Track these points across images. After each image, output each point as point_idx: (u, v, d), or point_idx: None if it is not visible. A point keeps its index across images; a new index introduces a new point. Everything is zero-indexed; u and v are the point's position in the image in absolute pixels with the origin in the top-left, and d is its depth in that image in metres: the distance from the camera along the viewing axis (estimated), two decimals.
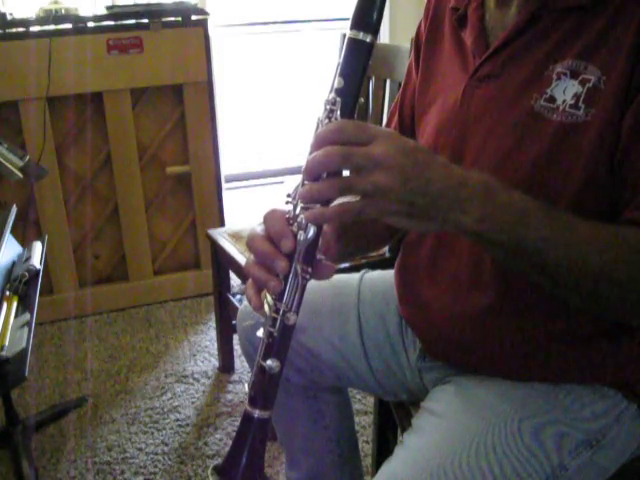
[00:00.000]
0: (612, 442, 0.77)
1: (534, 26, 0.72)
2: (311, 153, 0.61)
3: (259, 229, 0.70)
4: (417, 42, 0.92)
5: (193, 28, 2.15)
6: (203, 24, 2.17)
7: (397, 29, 3.19)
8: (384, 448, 1.23)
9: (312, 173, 0.61)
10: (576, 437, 0.75)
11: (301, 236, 0.65)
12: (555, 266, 0.63)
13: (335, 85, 0.65)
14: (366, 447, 1.56)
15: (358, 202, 0.60)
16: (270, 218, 0.68)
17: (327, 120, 0.65)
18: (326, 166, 0.60)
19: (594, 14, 0.68)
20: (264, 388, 0.70)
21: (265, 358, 0.69)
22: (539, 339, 0.77)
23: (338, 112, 0.64)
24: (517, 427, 0.74)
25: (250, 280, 0.71)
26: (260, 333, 0.70)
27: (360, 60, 0.65)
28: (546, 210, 0.63)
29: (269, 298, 0.68)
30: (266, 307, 0.69)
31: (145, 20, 2.12)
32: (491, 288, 0.77)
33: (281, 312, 0.67)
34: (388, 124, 1.02)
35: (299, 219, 0.65)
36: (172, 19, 2.15)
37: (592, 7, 0.68)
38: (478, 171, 0.63)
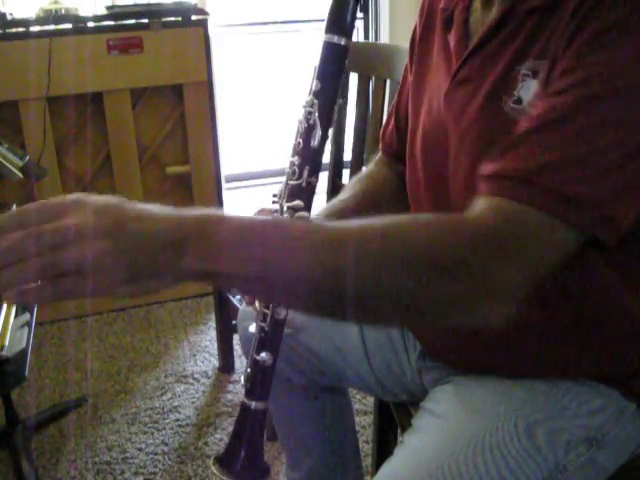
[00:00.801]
0: (611, 441, 0.77)
1: (505, 28, 0.72)
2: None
3: None
4: (412, 43, 0.92)
5: (193, 28, 2.15)
6: (203, 24, 2.17)
7: (397, 29, 3.19)
8: (384, 448, 1.23)
9: (6, 263, 0.52)
10: (575, 436, 0.75)
11: None
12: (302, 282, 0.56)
13: (313, 88, 0.67)
14: (366, 447, 1.56)
15: (57, 286, 0.52)
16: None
17: (306, 122, 0.67)
18: (21, 253, 0.51)
19: (554, 13, 0.67)
20: (259, 380, 0.74)
21: (258, 352, 0.72)
22: (535, 337, 0.77)
23: (316, 114, 0.66)
24: (516, 427, 0.74)
25: None
26: (252, 328, 0.73)
27: (336, 63, 0.68)
28: (273, 225, 0.57)
29: None
30: (257, 303, 0.71)
31: (145, 20, 2.12)
32: None
33: (271, 307, 0.69)
34: (386, 125, 1.03)
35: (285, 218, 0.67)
36: (172, 19, 2.15)
37: (552, 6, 0.67)
38: (200, 209, 0.57)
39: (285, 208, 0.67)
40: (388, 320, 0.64)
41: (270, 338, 0.71)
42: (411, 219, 0.61)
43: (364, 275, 0.55)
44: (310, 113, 0.67)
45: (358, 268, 0.54)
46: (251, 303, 0.72)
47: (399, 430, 1.05)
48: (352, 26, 0.67)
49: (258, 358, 0.72)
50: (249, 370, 0.74)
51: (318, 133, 0.71)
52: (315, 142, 0.71)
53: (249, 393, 0.75)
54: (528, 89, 0.68)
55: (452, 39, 0.80)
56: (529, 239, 0.58)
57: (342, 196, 0.98)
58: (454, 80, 0.77)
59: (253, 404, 0.75)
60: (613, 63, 0.58)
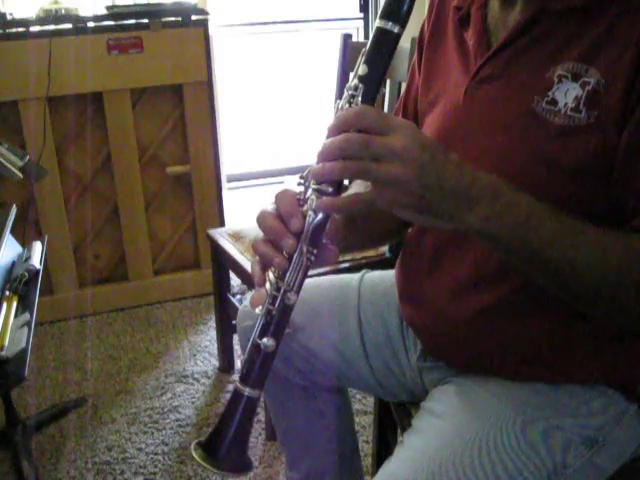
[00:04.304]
0: (612, 442, 0.77)
1: (535, 27, 0.72)
2: (329, 134, 0.62)
3: (270, 207, 0.70)
4: (420, 42, 0.92)
5: (193, 28, 2.15)
6: (203, 24, 2.17)
7: None
8: (384, 448, 1.23)
9: (328, 157, 0.61)
10: (576, 437, 0.75)
11: (310, 217, 0.66)
12: (558, 267, 0.64)
13: (359, 72, 0.66)
14: (366, 447, 1.56)
15: (370, 192, 0.61)
16: (281, 197, 0.68)
17: (347, 106, 0.65)
18: (344, 151, 0.60)
19: (596, 16, 0.68)
20: (257, 367, 0.70)
21: (261, 336, 0.68)
22: (539, 340, 0.77)
23: (359, 99, 0.65)
24: (517, 427, 0.74)
25: (257, 257, 0.71)
26: (258, 310, 0.69)
27: (386, 49, 0.67)
28: (552, 212, 0.64)
29: (272, 276, 0.68)
30: (268, 285, 0.68)
31: (145, 20, 2.12)
32: (493, 288, 0.77)
33: (282, 291, 0.67)
34: None
35: (309, 201, 0.65)
36: (172, 19, 2.15)
37: (593, 9, 0.68)
38: (486, 172, 0.64)
39: (310, 190, 0.66)
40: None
41: (276, 323, 0.68)
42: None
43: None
44: (353, 97, 0.65)
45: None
46: (262, 284, 0.70)
47: (399, 430, 1.05)
48: (408, 15, 0.65)
49: (259, 342, 0.68)
50: (247, 355, 0.70)
51: None
52: None
53: (244, 379, 0.70)
54: (565, 91, 0.68)
55: (470, 37, 0.80)
56: None
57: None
58: (475, 78, 0.77)
59: (247, 391, 0.69)
60: None
